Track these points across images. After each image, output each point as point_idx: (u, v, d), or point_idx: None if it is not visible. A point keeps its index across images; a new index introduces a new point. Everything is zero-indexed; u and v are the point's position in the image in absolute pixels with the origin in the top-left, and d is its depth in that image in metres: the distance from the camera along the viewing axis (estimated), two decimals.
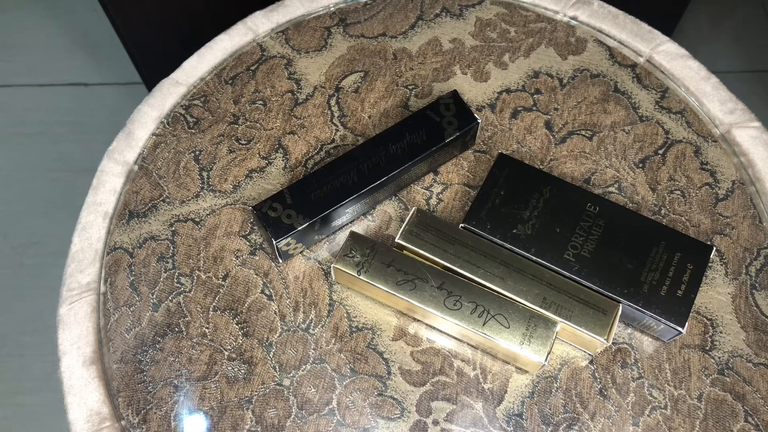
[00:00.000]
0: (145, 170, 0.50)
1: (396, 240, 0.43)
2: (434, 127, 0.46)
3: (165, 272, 0.46)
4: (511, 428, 0.42)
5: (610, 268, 0.41)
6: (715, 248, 0.43)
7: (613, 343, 0.44)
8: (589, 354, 0.43)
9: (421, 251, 0.43)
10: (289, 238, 0.43)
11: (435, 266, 0.43)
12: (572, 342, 0.43)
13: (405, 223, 0.44)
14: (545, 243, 0.42)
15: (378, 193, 0.46)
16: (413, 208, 0.44)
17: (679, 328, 0.40)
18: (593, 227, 0.42)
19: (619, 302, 0.41)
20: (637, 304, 0.41)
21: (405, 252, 0.43)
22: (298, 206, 0.44)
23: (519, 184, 0.44)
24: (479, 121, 0.47)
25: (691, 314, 0.43)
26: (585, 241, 0.42)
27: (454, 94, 0.47)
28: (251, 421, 0.42)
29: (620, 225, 0.43)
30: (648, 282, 0.41)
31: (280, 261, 0.46)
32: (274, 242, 0.43)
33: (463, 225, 0.43)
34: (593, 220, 0.42)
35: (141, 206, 0.48)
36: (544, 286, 0.42)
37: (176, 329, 0.45)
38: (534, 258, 0.42)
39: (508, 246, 0.42)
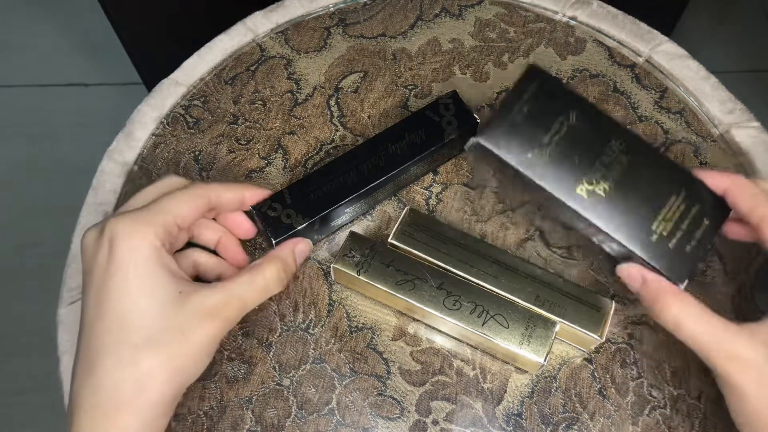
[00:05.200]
0: (145, 171, 0.50)
1: (389, 240, 0.43)
2: (434, 127, 0.46)
3: None
4: (511, 428, 0.42)
5: (622, 212, 0.38)
6: (731, 212, 0.39)
7: (612, 342, 0.44)
8: (584, 351, 0.43)
9: (414, 251, 0.43)
10: (288, 238, 0.43)
11: (432, 266, 0.43)
12: (566, 339, 0.43)
13: (398, 222, 0.44)
14: (559, 173, 0.38)
15: (377, 193, 0.46)
16: (406, 208, 0.45)
17: (678, 283, 0.38)
18: (614, 163, 0.38)
19: (625, 248, 0.38)
20: (641, 253, 0.38)
21: (399, 251, 0.43)
22: (298, 206, 0.44)
23: (544, 102, 0.38)
24: (479, 120, 0.47)
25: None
26: (602, 177, 0.38)
27: (454, 94, 0.47)
28: (251, 421, 0.42)
29: (643, 165, 0.38)
30: (658, 232, 0.38)
31: None
32: (274, 242, 0.43)
33: (475, 141, 0.38)
34: (616, 156, 0.38)
35: None
36: (537, 284, 0.42)
37: None
38: (543, 186, 0.38)
39: (521, 170, 0.38)
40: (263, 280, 0.38)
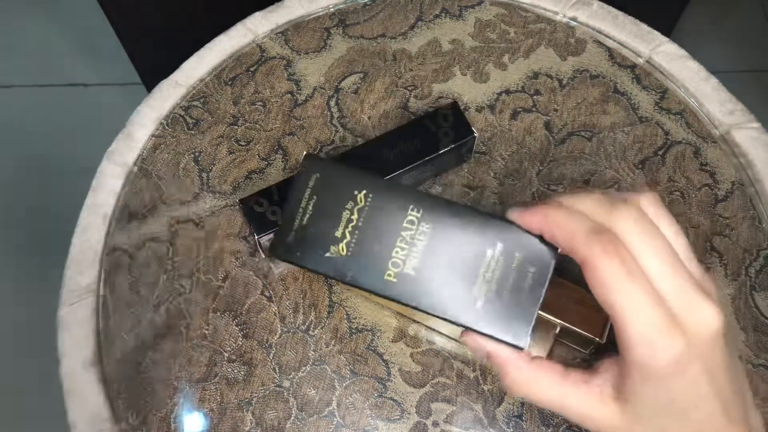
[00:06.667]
0: (144, 172, 0.50)
1: None
2: (429, 137, 0.46)
3: (164, 274, 0.46)
4: (511, 429, 0.42)
5: (437, 285, 0.34)
6: (558, 250, 0.33)
7: (612, 344, 0.44)
8: (585, 352, 0.43)
9: None
10: (271, 234, 0.43)
11: None
12: (567, 341, 0.43)
13: None
14: (363, 264, 0.34)
15: None
16: None
17: (520, 345, 0.33)
18: (417, 235, 0.34)
19: (452, 323, 0.34)
20: (470, 324, 0.33)
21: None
22: (284, 204, 0.43)
23: (329, 192, 0.35)
24: (476, 135, 0.46)
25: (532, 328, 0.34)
26: (408, 254, 0.34)
27: (454, 105, 0.47)
28: (251, 423, 0.42)
29: (448, 228, 0.35)
30: (482, 296, 0.33)
31: (263, 256, 0.46)
32: (257, 237, 0.43)
33: (271, 253, 0.36)
34: (416, 227, 0.34)
35: (140, 208, 0.48)
36: None
37: (176, 331, 0.45)
38: (351, 282, 0.34)
39: (323, 272, 0.35)
40: None
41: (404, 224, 0.34)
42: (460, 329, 0.41)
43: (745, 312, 0.45)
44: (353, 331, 0.44)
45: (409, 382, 0.43)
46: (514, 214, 0.33)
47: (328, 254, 0.35)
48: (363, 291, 0.35)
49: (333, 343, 0.44)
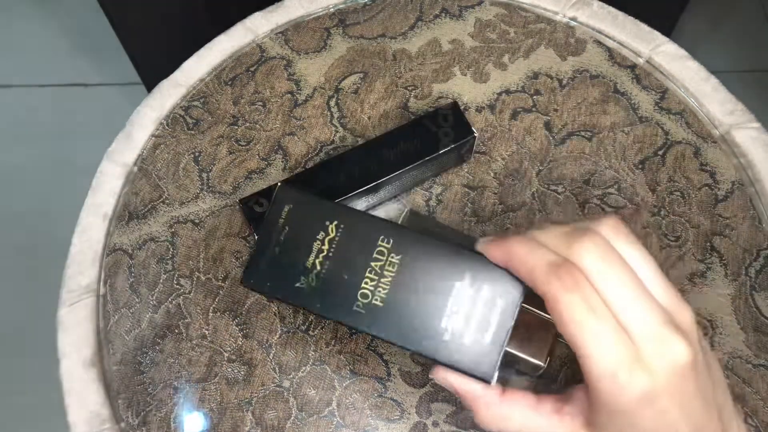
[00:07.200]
0: (144, 171, 0.50)
1: None
2: (430, 137, 0.46)
3: (164, 273, 0.46)
4: None
5: (404, 318, 0.34)
6: (522, 286, 0.33)
7: None
8: None
9: None
10: None
11: None
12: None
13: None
14: (332, 294, 0.35)
15: (367, 198, 0.46)
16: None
17: (487, 379, 0.33)
18: (386, 266, 0.34)
19: (420, 354, 0.34)
20: (437, 357, 0.33)
21: None
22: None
23: (301, 222, 0.35)
24: (476, 135, 0.46)
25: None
26: (377, 285, 0.34)
27: (454, 105, 0.47)
28: (251, 423, 0.42)
29: (417, 259, 0.35)
30: (449, 328, 0.33)
31: None
32: (257, 237, 0.43)
33: (243, 283, 0.36)
34: (386, 258, 0.35)
35: (140, 207, 0.48)
36: None
37: (176, 331, 0.45)
38: (319, 313, 0.35)
39: (292, 302, 0.35)
40: None
41: (374, 255, 0.34)
42: None
43: (745, 312, 0.45)
44: (353, 330, 0.44)
45: (409, 382, 0.43)
46: (482, 246, 0.32)
47: (298, 284, 0.34)
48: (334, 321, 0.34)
49: (333, 343, 0.44)
